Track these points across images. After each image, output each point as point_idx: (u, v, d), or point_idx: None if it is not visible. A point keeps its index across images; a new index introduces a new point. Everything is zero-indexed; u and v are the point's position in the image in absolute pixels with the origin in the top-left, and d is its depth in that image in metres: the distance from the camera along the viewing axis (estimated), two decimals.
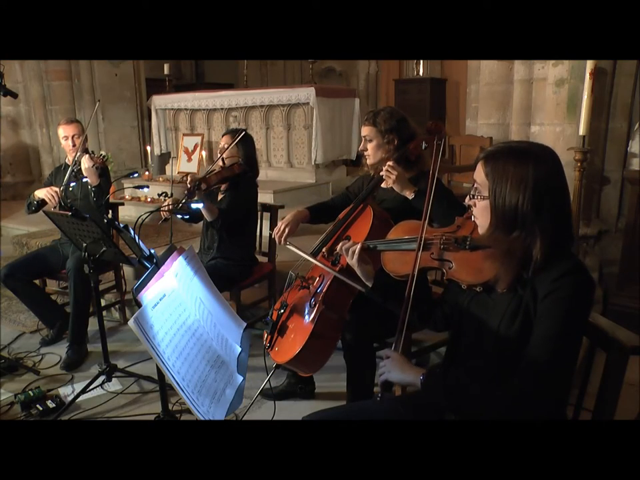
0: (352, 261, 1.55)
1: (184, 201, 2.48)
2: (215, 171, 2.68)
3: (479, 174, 1.23)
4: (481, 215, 1.25)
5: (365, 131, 2.16)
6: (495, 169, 1.19)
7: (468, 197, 1.28)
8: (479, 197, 1.24)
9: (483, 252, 1.27)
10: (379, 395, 1.32)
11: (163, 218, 2.63)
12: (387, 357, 1.34)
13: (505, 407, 1.14)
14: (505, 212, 1.18)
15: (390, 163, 1.97)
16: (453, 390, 1.22)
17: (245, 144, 2.82)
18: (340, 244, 1.61)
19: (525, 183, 1.15)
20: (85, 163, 2.84)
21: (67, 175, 2.96)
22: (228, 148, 2.74)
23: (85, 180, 2.87)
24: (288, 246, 2.04)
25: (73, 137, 3.05)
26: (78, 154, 2.95)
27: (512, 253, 1.18)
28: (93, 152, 3.07)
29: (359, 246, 1.55)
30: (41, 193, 2.95)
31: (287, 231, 2.16)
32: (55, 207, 2.93)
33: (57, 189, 2.94)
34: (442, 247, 1.36)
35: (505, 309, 1.23)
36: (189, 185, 2.51)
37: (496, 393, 1.17)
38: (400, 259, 1.49)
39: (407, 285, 1.37)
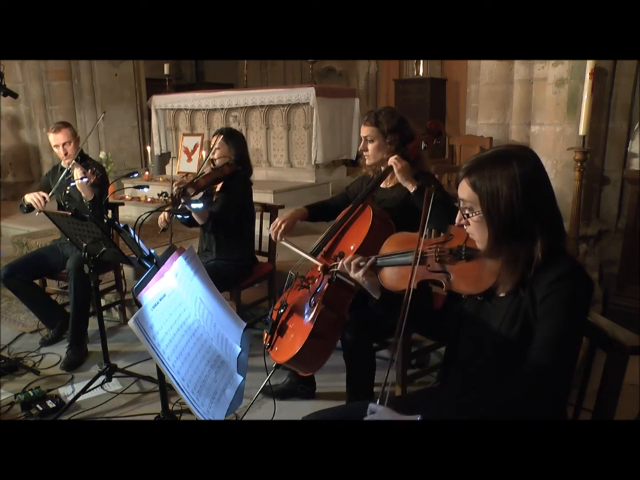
0: (356, 275, 1.47)
1: (175, 207, 2.45)
2: (205, 174, 2.64)
3: (465, 190, 1.21)
4: (477, 231, 1.22)
5: (366, 131, 2.16)
6: (482, 179, 1.17)
7: (458, 217, 1.25)
8: (472, 214, 1.21)
9: (480, 261, 1.25)
10: None
11: (162, 228, 2.60)
12: (372, 412, 1.21)
13: (508, 409, 1.13)
14: (502, 218, 1.16)
15: (395, 156, 2.01)
16: (454, 414, 1.18)
17: (235, 142, 2.79)
18: (340, 262, 1.54)
19: (515, 183, 1.14)
20: (77, 175, 2.78)
21: (59, 182, 2.94)
22: (215, 147, 2.70)
23: (84, 180, 2.85)
24: (282, 242, 2.10)
25: (63, 145, 2.98)
26: (72, 162, 2.89)
27: (516, 258, 1.18)
28: (89, 162, 3.03)
29: (368, 263, 1.47)
30: (28, 198, 2.91)
31: (282, 227, 2.18)
32: (40, 212, 2.88)
33: (45, 194, 2.89)
34: (438, 259, 1.33)
35: (504, 313, 1.22)
36: (175, 193, 2.46)
37: (498, 397, 1.16)
38: (397, 274, 1.45)
39: (408, 299, 1.32)
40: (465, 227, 1.25)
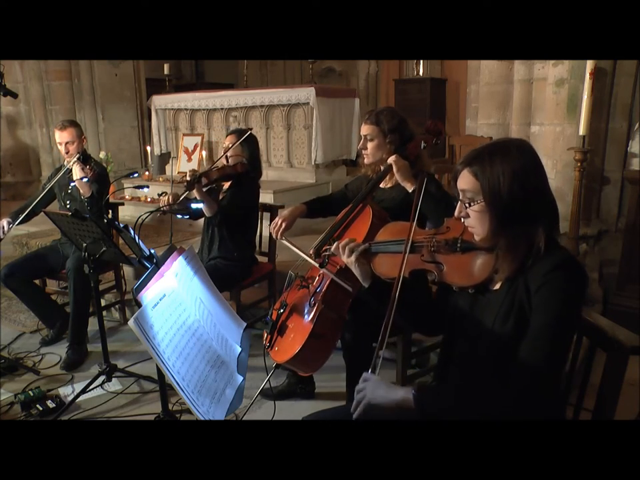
0: (349, 259, 1.48)
1: (184, 194, 2.49)
2: (218, 167, 2.69)
3: (466, 180, 1.21)
4: (477, 221, 1.22)
5: (367, 129, 2.16)
6: (483, 167, 1.18)
7: (458, 210, 1.25)
8: (473, 203, 1.21)
9: (475, 253, 1.26)
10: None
11: (162, 211, 2.63)
12: (365, 380, 1.24)
13: (506, 401, 1.13)
14: (504, 205, 1.16)
15: (396, 155, 2.02)
16: (451, 397, 1.20)
17: (250, 144, 2.83)
18: (335, 244, 1.54)
19: (516, 170, 1.16)
20: (76, 173, 2.80)
21: (57, 179, 2.97)
22: (233, 146, 2.74)
23: (84, 180, 2.86)
24: (283, 241, 2.11)
25: (66, 144, 3.00)
26: (73, 160, 2.91)
27: (517, 244, 1.19)
28: (89, 159, 3.05)
29: (361, 247, 1.49)
30: None
31: (283, 225, 2.20)
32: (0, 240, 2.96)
33: (5, 223, 2.93)
34: (432, 249, 1.33)
35: (499, 307, 1.23)
36: (188, 178, 2.51)
37: (496, 387, 1.16)
38: (389, 262, 1.45)
39: (402, 288, 1.33)
40: (464, 219, 1.25)
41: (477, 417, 1.13)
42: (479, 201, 1.20)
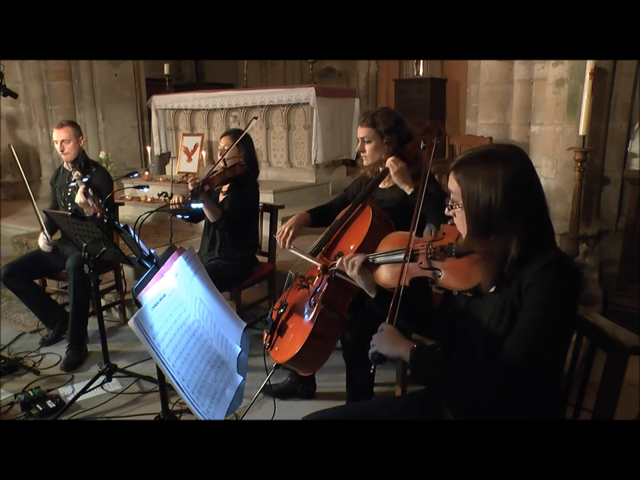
0: (352, 272, 1.52)
1: (187, 200, 2.48)
2: (218, 172, 2.68)
3: (452, 183, 1.25)
4: (461, 223, 1.27)
5: (363, 132, 2.16)
6: (466, 174, 1.22)
7: (447, 208, 1.30)
8: (456, 207, 1.25)
9: (470, 257, 1.27)
10: (372, 368, 1.32)
11: (171, 209, 2.63)
12: (380, 330, 1.33)
13: (493, 386, 1.13)
14: (479, 215, 1.20)
15: (392, 157, 2.01)
16: (441, 365, 1.23)
17: (245, 144, 2.83)
18: (339, 260, 1.58)
19: (495, 183, 1.17)
20: (79, 197, 2.73)
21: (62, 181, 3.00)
22: (230, 149, 2.74)
23: (84, 180, 2.85)
24: (291, 250, 2.06)
25: (62, 142, 3.00)
26: (75, 173, 2.87)
27: (491, 255, 1.20)
28: (89, 164, 3.04)
29: (360, 259, 1.52)
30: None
31: (290, 234, 2.16)
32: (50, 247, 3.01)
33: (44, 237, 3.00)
34: (429, 256, 1.36)
35: (493, 308, 1.23)
36: (191, 187, 2.51)
37: (484, 371, 1.17)
38: (391, 272, 1.49)
39: (404, 296, 1.37)
40: (453, 217, 1.30)
41: (462, 391, 1.16)
42: (459, 205, 1.24)
